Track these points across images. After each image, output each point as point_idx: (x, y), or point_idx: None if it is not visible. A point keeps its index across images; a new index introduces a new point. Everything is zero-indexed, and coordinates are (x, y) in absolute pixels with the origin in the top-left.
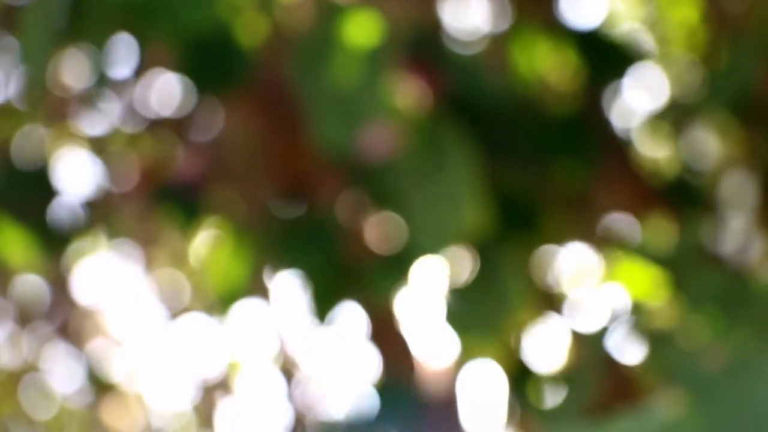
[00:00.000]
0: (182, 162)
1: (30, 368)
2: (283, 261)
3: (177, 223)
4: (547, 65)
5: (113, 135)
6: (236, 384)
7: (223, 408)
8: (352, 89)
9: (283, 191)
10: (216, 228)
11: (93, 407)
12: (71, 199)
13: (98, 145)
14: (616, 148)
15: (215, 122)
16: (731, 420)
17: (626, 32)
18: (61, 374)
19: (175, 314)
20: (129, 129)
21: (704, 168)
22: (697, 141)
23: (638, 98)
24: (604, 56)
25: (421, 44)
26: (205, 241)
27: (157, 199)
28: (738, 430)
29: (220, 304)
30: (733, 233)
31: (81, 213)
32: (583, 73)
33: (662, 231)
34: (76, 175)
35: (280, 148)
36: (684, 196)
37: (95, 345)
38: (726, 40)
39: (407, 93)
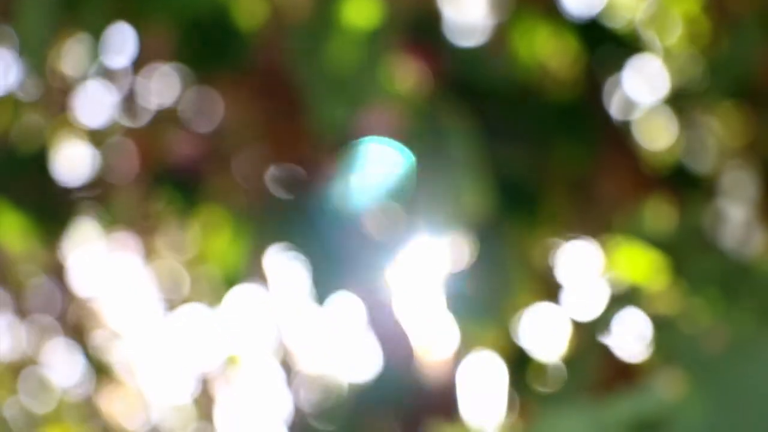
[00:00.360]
0: (181, 146)
1: (29, 361)
2: (282, 244)
3: (175, 207)
4: (547, 52)
5: (112, 124)
6: (235, 376)
7: (222, 400)
8: (351, 71)
9: (282, 174)
10: (215, 212)
11: (92, 400)
12: (70, 186)
13: (97, 134)
14: (616, 135)
15: (214, 106)
16: (731, 400)
17: (627, 21)
18: (60, 366)
19: (173, 305)
20: (127, 118)
21: (705, 155)
22: (697, 129)
23: (638, 86)
24: (605, 44)
25: (421, 27)
26: (203, 227)
27: (156, 183)
28: (738, 409)
29: (219, 288)
30: (734, 225)
31: (79, 199)
32: (583, 60)
33: (662, 215)
34: (74, 162)
35: (279, 132)
36: (684, 182)
37: (94, 335)
38: (726, 29)
39: (406, 75)
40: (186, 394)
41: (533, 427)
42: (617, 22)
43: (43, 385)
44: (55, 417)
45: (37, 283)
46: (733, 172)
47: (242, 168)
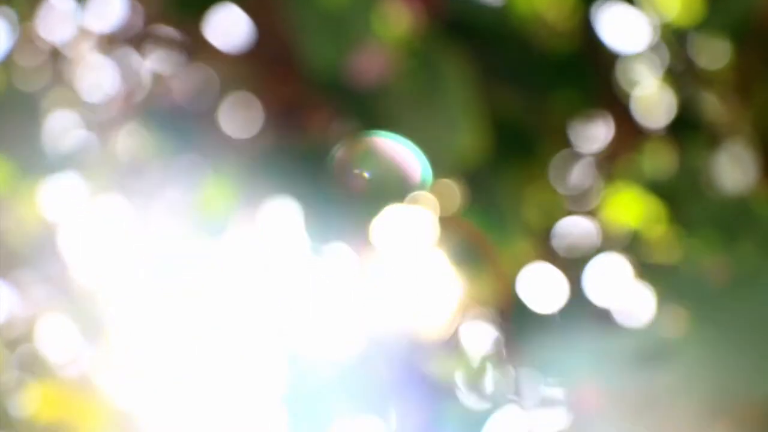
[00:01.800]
0: (172, 87)
1: (23, 336)
2: (274, 191)
3: (165, 151)
4: (544, 3)
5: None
6: (230, 346)
7: (219, 372)
8: (344, 10)
9: (274, 119)
10: (205, 160)
11: (88, 377)
12: (61, 138)
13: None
14: (612, 84)
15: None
16: (732, 332)
17: None
18: (55, 341)
19: (168, 274)
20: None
21: (703, 107)
22: (696, 80)
23: (635, 38)
24: None
25: None
26: (198, 181)
27: (146, 124)
28: (738, 342)
29: (209, 235)
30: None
31: (70, 153)
32: (580, 13)
33: (660, 161)
34: (67, 120)
35: (270, 75)
36: (682, 131)
37: (89, 307)
38: None
39: (401, 15)
40: (182, 370)
41: (535, 356)
42: None
43: (38, 360)
44: (49, 395)
45: (30, 251)
46: (730, 137)
47: (234, 110)
